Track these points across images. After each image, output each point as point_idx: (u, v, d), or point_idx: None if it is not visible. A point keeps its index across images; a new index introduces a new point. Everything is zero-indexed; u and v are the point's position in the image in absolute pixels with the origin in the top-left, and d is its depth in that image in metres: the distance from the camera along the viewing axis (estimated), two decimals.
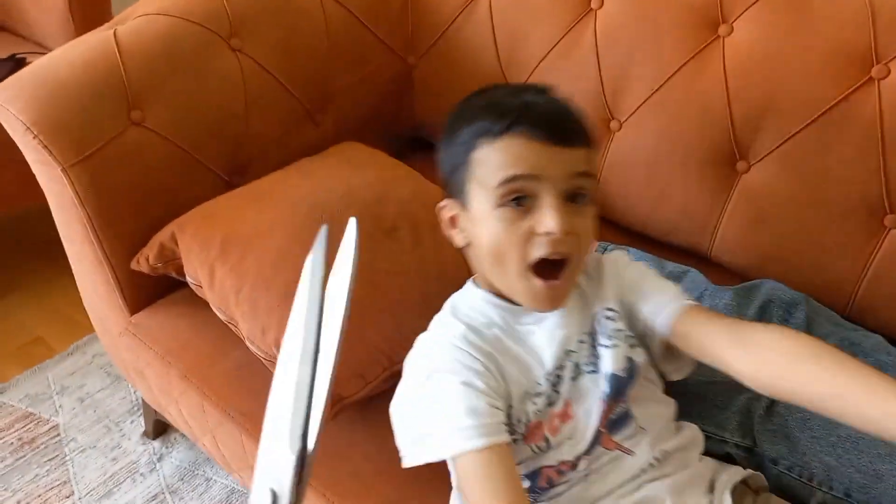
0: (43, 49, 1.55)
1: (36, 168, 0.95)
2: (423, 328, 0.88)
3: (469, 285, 0.73)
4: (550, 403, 0.66)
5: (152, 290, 1.02)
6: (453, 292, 0.91)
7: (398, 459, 0.78)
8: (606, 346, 0.69)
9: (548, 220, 0.61)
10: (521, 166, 0.63)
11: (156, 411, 1.23)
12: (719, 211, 0.98)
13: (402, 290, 0.87)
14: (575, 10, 1.09)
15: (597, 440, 0.67)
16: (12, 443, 1.30)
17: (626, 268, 0.75)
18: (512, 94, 0.68)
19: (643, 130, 1.03)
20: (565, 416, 0.67)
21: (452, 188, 0.69)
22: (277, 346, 0.81)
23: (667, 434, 0.71)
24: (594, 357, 0.69)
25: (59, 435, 1.32)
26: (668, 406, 0.73)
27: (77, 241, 0.98)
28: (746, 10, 0.93)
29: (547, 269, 0.63)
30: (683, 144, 0.99)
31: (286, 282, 0.83)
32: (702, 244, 1.02)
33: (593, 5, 1.08)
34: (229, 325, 0.89)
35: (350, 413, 0.85)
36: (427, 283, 0.89)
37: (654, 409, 0.71)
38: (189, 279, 0.92)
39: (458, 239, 0.70)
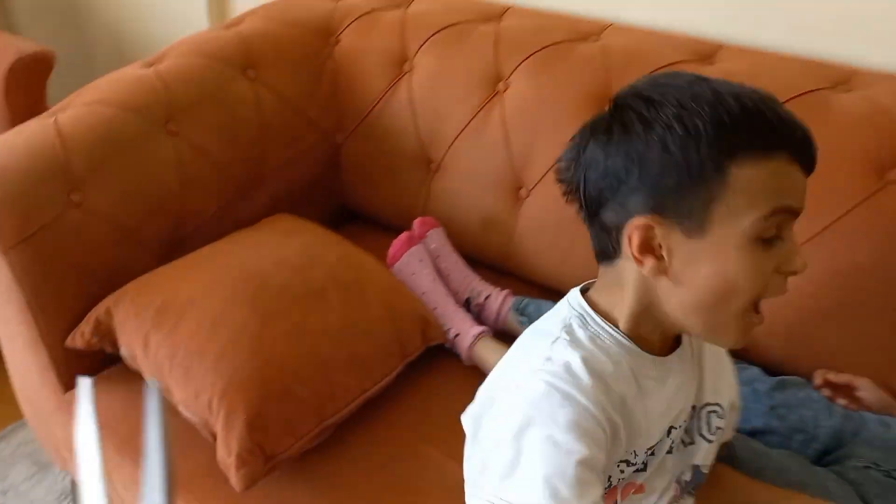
0: None
1: None
2: (352, 385, 0.94)
3: (593, 315, 0.60)
4: (637, 471, 0.62)
5: (87, 367, 1.04)
6: (380, 346, 0.98)
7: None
8: (706, 440, 0.68)
9: (799, 259, 0.55)
10: (795, 197, 0.54)
11: None
12: None
13: (331, 348, 0.92)
14: (484, 92, 1.21)
15: None
16: None
17: (731, 372, 0.73)
18: (767, 102, 0.53)
19: (548, 196, 1.14)
20: (642, 488, 0.64)
21: (675, 205, 0.54)
22: (211, 410, 0.85)
23: None
24: (690, 441, 0.67)
25: None
26: None
27: (12, 321, 1.01)
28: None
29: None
30: None
31: (220, 345, 0.87)
32: None
33: (499, 88, 1.20)
34: (164, 393, 0.92)
35: (285, 469, 0.88)
36: (355, 342, 0.95)
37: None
38: (123, 351, 0.96)
39: (649, 267, 0.56)
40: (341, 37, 1.35)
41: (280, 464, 0.86)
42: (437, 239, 1.21)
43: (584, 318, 0.60)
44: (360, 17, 1.35)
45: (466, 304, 1.16)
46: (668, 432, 0.63)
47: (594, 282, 0.64)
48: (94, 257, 1.02)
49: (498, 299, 1.13)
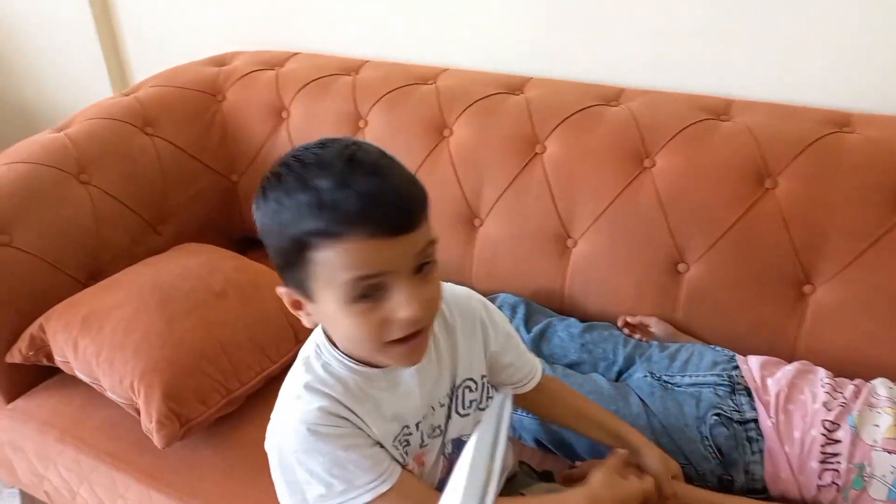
0: None
1: None
2: (253, 363, 1.16)
3: (326, 345, 0.71)
4: (405, 455, 0.75)
5: (25, 381, 1.23)
6: (275, 333, 1.20)
7: (237, 467, 1.03)
8: (461, 415, 0.79)
9: (404, 309, 0.61)
10: (369, 267, 0.60)
11: None
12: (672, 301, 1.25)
13: (233, 335, 1.14)
14: (348, 130, 1.49)
15: (442, 485, 0.78)
16: None
17: (494, 326, 0.82)
18: (341, 187, 0.58)
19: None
20: (420, 462, 0.77)
21: (290, 280, 0.65)
22: (133, 390, 1.06)
23: None
24: (446, 420, 0.78)
25: None
26: None
27: None
28: (552, 132, 1.30)
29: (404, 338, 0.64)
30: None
31: (136, 340, 1.08)
32: None
33: (360, 125, 1.48)
34: (94, 385, 1.12)
35: (201, 434, 1.10)
36: (253, 328, 1.17)
37: None
38: (57, 358, 1.15)
39: (305, 321, 0.68)
40: (227, 94, 1.60)
41: (195, 428, 1.07)
42: None
43: (319, 349, 0.71)
44: (241, 77, 1.61)
45: None
46: (417, 426, 0.75)
47: None
48: (24, 287, 1.21)
49: None
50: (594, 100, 1.35)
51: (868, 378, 1.04)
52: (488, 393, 0.83)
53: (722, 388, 1.03)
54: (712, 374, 1.05)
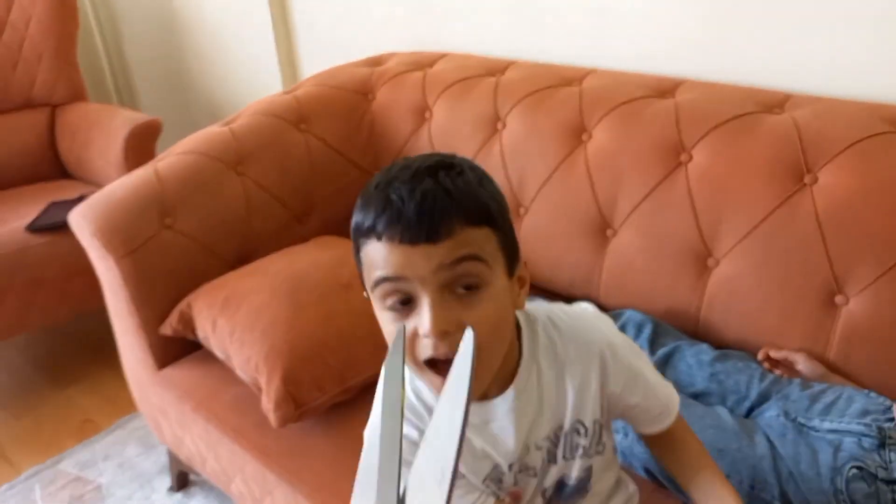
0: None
1: (96, 262, 1.33)
2: (369, 357, 1.19)
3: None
4: (497, 492, 0.72)
5: (176, 351, 1.36)
6: None
7: (345, 456, 1.06)
8: (565, 460, 0.73)
9: (423, 320, 0.59)
10: (386, 268, 0.60)
11: (179, 470, 1.53)
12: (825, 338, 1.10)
13: (354, 327, 1.18)
14: (486, 132, 1.48)
15: None
16: (65, 499, 1.60)
17: (616, 363, 0.72)
18: (383, 188, 0.61)
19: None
20: (516, 497, 0.74)
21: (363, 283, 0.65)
22: (258, 370, 1.13)
23: (611, 492, 0.81)
24: (544, 463, 0.72)
25: (101, 493, 1.62)
26: (614, 467, 0.81)
27: (122, 315, 1.34)
28: (700, 139, 1.20)
29: (443, 366, 0.60)
30: None
31: (265, 324, 1.15)
32: None
33: (498, 127, 1.47)
34: (226, 363, 1.21)
35: (313, 419, 1.14)
36: (374, 323, 1.18)
37: (603, 474, 0.78)
38: (200, 333, 1.26)
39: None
40: (377, 94, 1.66)
41: (310, 412, 1.12)
42: None
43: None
44: (391, 78, 1.66)
45: None
46: (509, 467, 0.70)
47: None
48: (181, 266, 1.34)
49: None
50: (754, 106, 1.22)
51: None
52: (601, 438, 0.75)
53: (869, 439, 0.89)
54: (860, 423, 0.91)
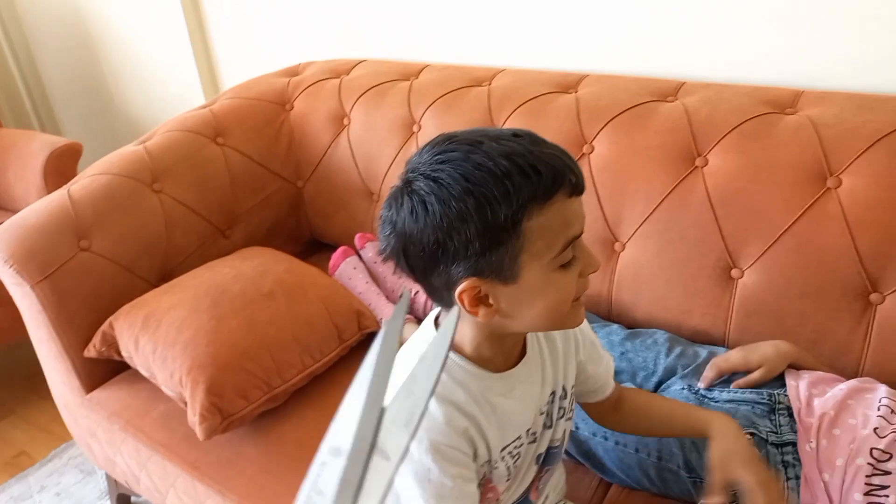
0: None
1: (12, 290, 1.31)
2: (296, 361, 1.21)
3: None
4: (512, 468, 0.76)
5: (103, 373, 1.35)
6: (319, 333, 1.24)
7: (275, 463, 1.08)
8: (554, 424, 0.80)
9: (594, 261, 0.65)
10: (578, 223, 0.63)
11: (119, 493, 1.52)
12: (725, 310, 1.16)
13: (277, 334, 1.19)
14: (403, 135, 1.51)
15: (528, 491, 0.81)
16: None
17: (583, 333, 0.83)
18: (528, 152, 0.60)
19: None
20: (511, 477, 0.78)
21: (491, 267, 0.62)
22: (181, 384, 1.13)
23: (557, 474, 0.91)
24: (542, 428, 0.79)
25: None
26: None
27: (45, 341, 1.32)
28: (600, 131, 1.25)
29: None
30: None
31: (187, 338, 1.16)
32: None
33: (414, 130, 1.50)
34: (151, 380, 1.22)
35: (241, 429, 1.16)
36: (298, 328, 1.22)
37: (566, 439, 0.86)
38: (124, 354, 1.26)
39: (483, 315, 0.65)
40: (295, 103, 1.68)
41: (237, 421, 1.13)
42: (373, 249, 1.50)
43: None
44: (308, 87, 1.68)
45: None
46: (528, 433, 0.75)
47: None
48: (102, 287, 1.33)
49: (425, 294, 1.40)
50: (649, 96, 1.29)
51: None
52: (572, 404, 0.84)
53: (761, 406, 0.95)
54: (753, 392, 0.97)
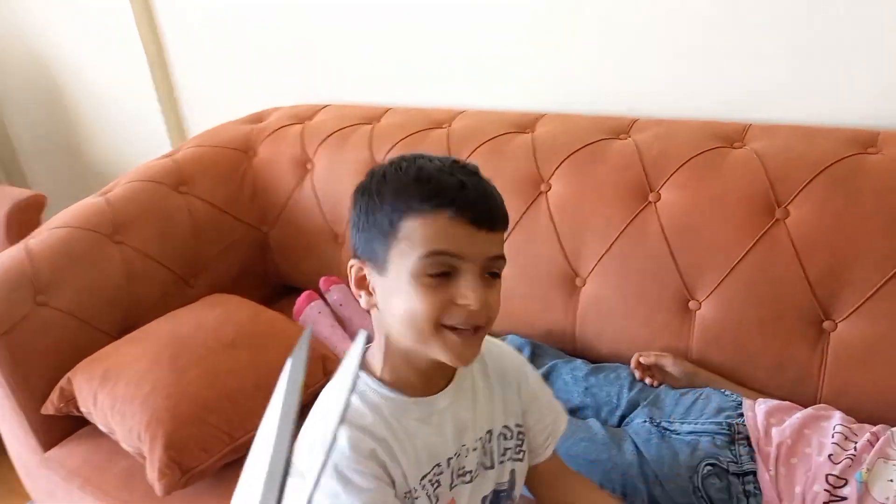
0: None
1: None
2: (259, 410, 1.19)
3: (361, 372, 0.72)
4: (435, 498, 0.74)
5: (63, 430, 1.32)
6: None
7: None
8: (499, 463, 0.79)
9: (469, 294, 0.65)
10: (448, 243, 0.65)
11: None
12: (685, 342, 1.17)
13: (239, 383, 1.18)
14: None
15: None
16: None
17: (528, 379, 0.84)
18: (445, 172, 0.67)
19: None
20: None
21: (367, 251, 0.70)
22: (140, 440, 1.11)
23: None
24: (490, 466, 0.78)
25: None
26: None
27: (0, 399, 1.29)
28: (556, 169, 1.28)
29: (462, 331, 0.67)
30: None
31: (145, 393, 1.14)
32: None
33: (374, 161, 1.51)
34: (111, 436, 1.19)
35: (204, 482, 1.13)
36: (260, 376, 1.21)
37: (520, 482, 0.85)
38: (83, 410, 1.23)
39: (364, 300, 0.71)
40: (258, 150, 1.68)
41: (198, 475, 1.10)
42: (338, 292, 1.49)
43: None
44: (271, 133, 1.69)
45: (369, 341, 1.42)
46: (448, 462, 0.74)
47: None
48: (61, 343, 1.30)
49: None
50: (603, 133, 1.31)
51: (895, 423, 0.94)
52: (522, 445, 0.83)
53: (721, 436, 0.95)
54: (713, 422, 0.98)
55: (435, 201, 0.65)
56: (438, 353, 0.69)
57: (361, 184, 0.72)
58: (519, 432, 0.82)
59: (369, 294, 0.71)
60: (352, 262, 0.72)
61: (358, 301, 0.73)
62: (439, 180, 0.66)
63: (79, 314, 1.34)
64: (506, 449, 0.81)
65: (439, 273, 0.66)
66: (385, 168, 0.70)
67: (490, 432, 0.79)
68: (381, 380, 0.73)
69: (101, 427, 1.21)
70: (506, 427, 0.80)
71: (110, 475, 1.21)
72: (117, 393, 1.17)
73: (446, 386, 0.76)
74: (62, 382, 1.25)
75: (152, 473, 1.08)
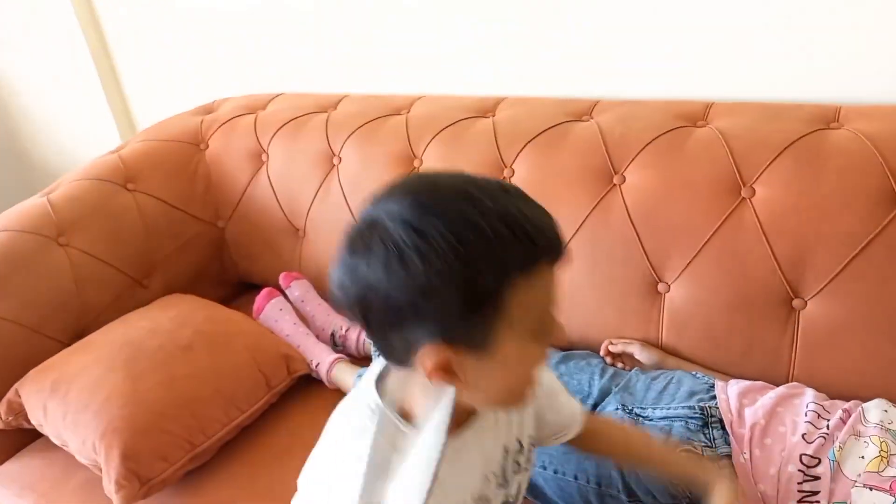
0: None
1: None
2: (220, 415, 1.15)
3: (392, 419, 0.63)
4: None
5: (14, 443, 1.25)
6: (245, 382, 1.19)
7: None
8: (509, 481, 0.74)
9: (562, 329, 0.61)
10: (554, 294, 0.59)
11: None
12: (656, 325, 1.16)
13: (198, 388, 1.13)
14: (324, 168, 1.47)
15: None
16: None
17: (541, 385, 0.75)
18: (526, 215, 0.55)
19: None
20: None
21: (460, 334, 0.56)
22: (95, 451, 1.06)
23: None
24: (498, 489, 0.73)
25: None
26: None
27: None
28: (518, 154, 1.25)
29: None
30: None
31: (99, 402, 1.08)
32: None
33: (335, 162, 1.46)
34: (64, 447, 1.13)
35: (166, 491, 1.08)
36: (220, 380, 1.16)
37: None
38: (33, 422, 1.17)
39: (442, 383, 0.58)
40: (209, 142, 1.62)
41: (158, 485, 1.06)
42: (299, 288, 1.45)
43: (382, 422, 0.63)
44: (223, 124, 1.63)
45: (332, 338, 1.38)
46: (472, 496, 0.68)
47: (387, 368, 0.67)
48: (7, 354, 1.24)
49: (356, 330, 1.36)
50: (565, 116, 1.29)
51: (867, 398, 0.94)
52: (530, 456, 0.78)
53: (694, 420, 0.94)
54: (685, 407, 0.97)
55: (536, 255, 0.55)
56: (517, 405, 0.69)
57: (417, 247, 0.53)
58: (530, 444, 0.78)
59: (451, 374, 0.58)
60: (431, 348, 0.56)
61: (433, 381, 0.58)
62: (539, 231, 0.55)
63: (26, 322, 1.27)
64: (516, 462, 0.75)
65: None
66: (443, 223, 0.53)
67: (507, 450, 0.74)
68: (415, 424, 0.64)
69: (53, 439, 1.15)
70: (518, 441, 0.75)
71: (66, 490, 1.15)
72: (69, 403, 1.11)
73: (472, 417, 0.69)
74: (10, 394, 1.19)
75: (109, 486, 1.03)
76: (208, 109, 1.73)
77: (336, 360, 1.28)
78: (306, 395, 1.28)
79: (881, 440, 0.82)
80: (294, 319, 1.38)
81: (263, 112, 1.62)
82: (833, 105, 1.13)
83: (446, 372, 0.57)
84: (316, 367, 1.29)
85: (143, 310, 1.34)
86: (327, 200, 1.47)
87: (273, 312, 1.39)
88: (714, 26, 1.23)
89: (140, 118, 2.17)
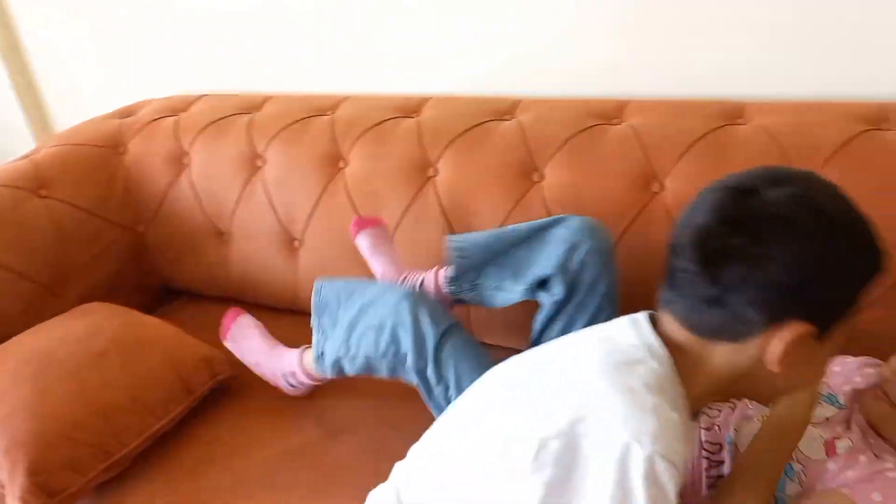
0: None
1: None
2: (135, 423, 1.11)
3: (674, 383, 0.64)
4: None
5: None
6: (161, 389, 1.15)
7: None
8: None
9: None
10: None
11: None
12: None
13: (112, 396, 1.09)
14: (247, 170, 1.45)
15: None
16: None
17: None
18: (869, 229, 0.62)
19: (317, 244, 1.35)
20: None
21: (826, 318, 0.61)
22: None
23: None
24: None
25: None
26: None
27: None
28: (442, 153, 1.26)
29: None
30: None
31: (1, 417, 1.04)
32: None
33: (258, 164, 1.44)
34: None
35: (90, 498, 1.04)
36: (135, 388, 1.13)
37: None
38: None
39: (779, 363, 0.61)
40: (129, 146, 1.57)
41: (69, 498, 1.01)
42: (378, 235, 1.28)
43: (663, 382, 0.63)
44: (143, 127, 1.58)
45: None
46: None
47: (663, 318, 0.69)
48: None
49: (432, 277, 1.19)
50: (488, 115, 1.30)
51: None
52: None
53: None
54: None
55: (881, 263, 0.62)
56: (812, 400, 0.79)
57: (810, 228, 0.59)
58: None
59: (791, 356, 0.61)
60: (798, 327, 0.60)
61: (763, 358, 0.62)
62: (878, 239, 0.62)
63: None
64: None
65: None
66: (849, 223, 0.61)
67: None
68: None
69: None
70: None
71: None
72: None
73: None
74: None
75: (13, 502, 0.98)
76: (127, 112, 1.68)
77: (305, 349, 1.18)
78: (230, 400, 1.25)
79: (762, 415, 0.85)
80: (263, 333, 1.30)
81: (186, 114, 1.58)
82: (737, 101, 1.17)
83: (792, 353, 0.61)
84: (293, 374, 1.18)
85: (54, 319, 1.29)
86: (252, 202, 1.45)
87: (242, 331, 1.29)
88: (621, 27, 1.26)
89: (60, 121, 2.08)
